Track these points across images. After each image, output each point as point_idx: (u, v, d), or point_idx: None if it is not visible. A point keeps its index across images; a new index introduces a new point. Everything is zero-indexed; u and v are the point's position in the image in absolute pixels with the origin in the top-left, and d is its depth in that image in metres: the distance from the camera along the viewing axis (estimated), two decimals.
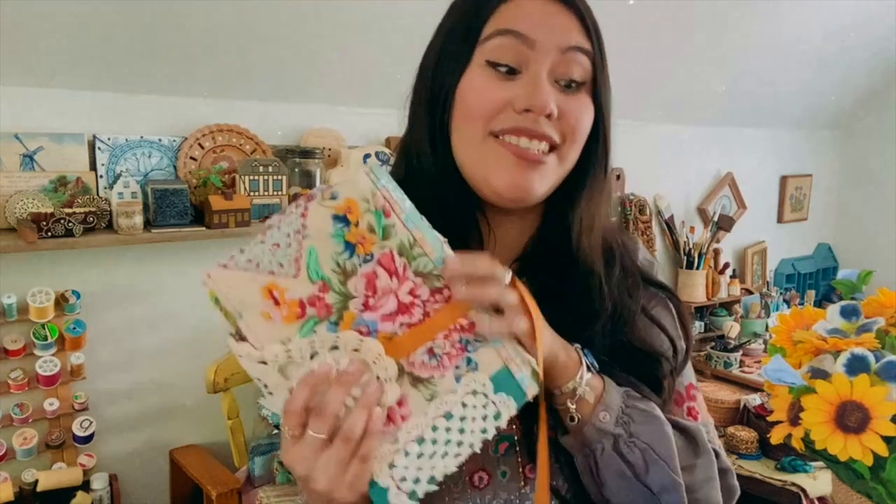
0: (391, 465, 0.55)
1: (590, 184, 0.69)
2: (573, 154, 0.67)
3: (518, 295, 0.57)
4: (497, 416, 0.56)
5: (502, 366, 0.57)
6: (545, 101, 0.62)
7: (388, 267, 0.55)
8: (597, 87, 0.67)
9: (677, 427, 0.66)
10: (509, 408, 0.56)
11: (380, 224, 0.54)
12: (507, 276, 0.57)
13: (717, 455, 0.70)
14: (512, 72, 0.64)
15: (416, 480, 0.55)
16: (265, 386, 0.54)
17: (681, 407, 0.72)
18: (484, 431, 0.56)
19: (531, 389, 0.57)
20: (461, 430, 0.56)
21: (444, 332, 0.56)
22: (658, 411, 0.64)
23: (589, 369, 0.62)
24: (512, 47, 0.63)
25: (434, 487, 0.55)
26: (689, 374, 0.74)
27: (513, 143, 0.63)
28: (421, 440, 0.56)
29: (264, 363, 0.54)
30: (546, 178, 0.65)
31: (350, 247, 0.54)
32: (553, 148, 0.65)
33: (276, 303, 0.53)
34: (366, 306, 0.55)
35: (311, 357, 0.53)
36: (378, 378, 0.54)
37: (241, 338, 0.55)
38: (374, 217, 0.54)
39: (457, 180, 0.68)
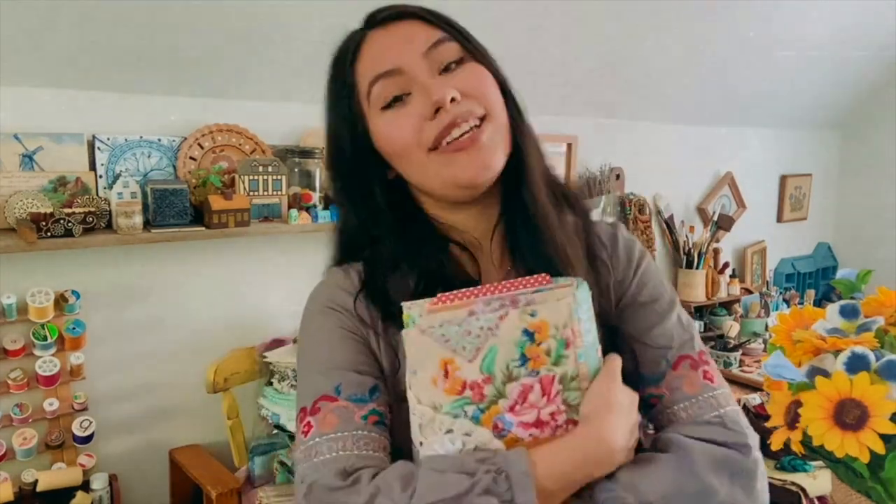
0: None
1: (521, 135, 0.73)
2: (498, 113, 0.70)
3: None
4: None
5: None
6: (442, 92, 0.66)
7: (546, 388, 0.61)
8: (476, 57, 0.71)
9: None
10: None
11: (558, 352, 0.61)
12: None
13: (738, 434, 0.67)
14: (401, 99, 0.69)
15: None
16: (420, 426, 0.63)
17: (696, 371, 0.70)
18: None
19: None
20: None
21: None
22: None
23: None
24: (388, 85, 0.69)
25: None
26: (698, 342, 0.74)
27: (451, 144, 0.67)
28: None
29: (412, 409, 0.63)
30: (495, 148, 0.69)
31: (525, 359, 0.61)
32: (482, 118, 0.68)
33: (446, 375, 0.61)
34: (511, 409, 0.61)
35: (446, 431, 0.61)
36: None
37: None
38: (556, 344, 0.61)
39: (422, 219, 0.75)
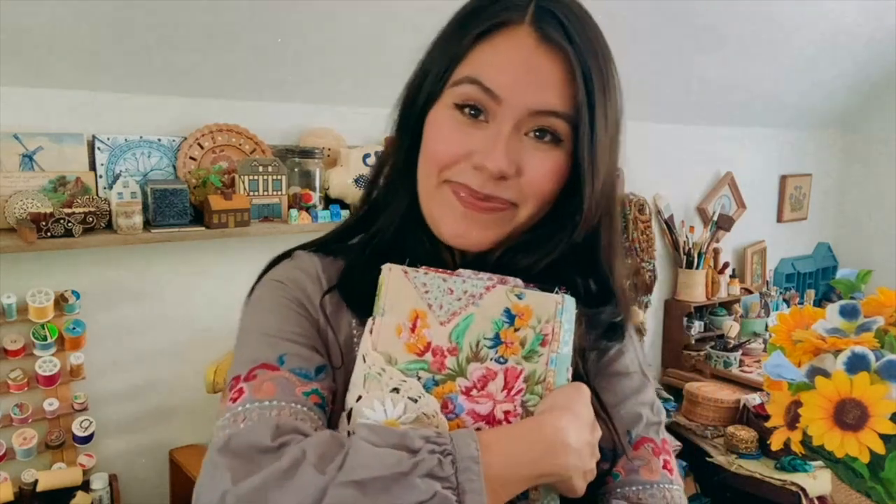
0: None
1: (554, 239, 0.64)
2: (531, 212, 0.63)
3: None
4: None
5: None
6: (499, 163, 0.59)
7: (509, 380, 0.57)
8: (577, 144, 0.61)
9: None
10: None
11: (532, 346, 0.57)
12: None
13: None
14: (478, 114, 0.61)
15: None
16: (355, 365, 0.59)
17: (658, 458, 0.67)
18: None
19: None
20: None
21: None
22: None
23: None
24: (478, 97, 0.61)
25: None
26: (664, 431, 0.71)
27: (461, 194, 0.62)
28: None
29: (363, 357, 0.59)
30: (494, 229, 0.63)
31: (497, 341, 0.57)
32: (512, 203, 0.63)
33: (413, 328, 0.57)
34: (467, 392, 0.57)
35: (392, 390, 0.56)
36: None
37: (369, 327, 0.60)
38: (533, 337, 0.57)
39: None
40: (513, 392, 0.57)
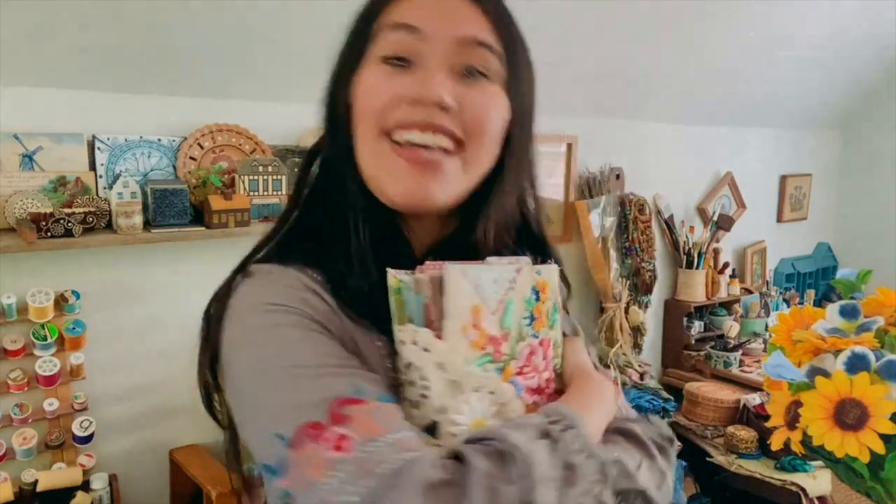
0: None
1: (497, 192, 0.64)
2: (481, 155, 0.61)
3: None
4: None
5: None
6: (437, 90, 0.57)
7: (546, 352, 0.61)
8: (509, 85, 0.61)
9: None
10: None
11: (552, 316, 0.62)
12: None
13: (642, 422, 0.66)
14: (405, 64, 0.59)
15: None
16: (422, 377, 0.56)
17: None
18: None
19: None
20: None
21: None
22: None
23: None
24: (403, 41, 0.59)
25: None
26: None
27: (406, 147, 0.58)
28: None
29: (440, 365, 0.55)
30: (447, 185, 0.60)
31: (532, 318, 0.60)
32: (458, 145, 0.59)
33: (475, 325, 0.57)
34: (520, 371, 0.59)
35: (475, 389, 0.56)
36: None
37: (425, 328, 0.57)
38: (551, 307, 0.62)
39: (386, 215, 0.63)
40: (548, 361, 0.62)
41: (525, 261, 0.62)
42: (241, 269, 0.63)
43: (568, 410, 0.55)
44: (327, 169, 0.66)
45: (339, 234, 0.62)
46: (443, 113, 0.58)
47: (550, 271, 0.62)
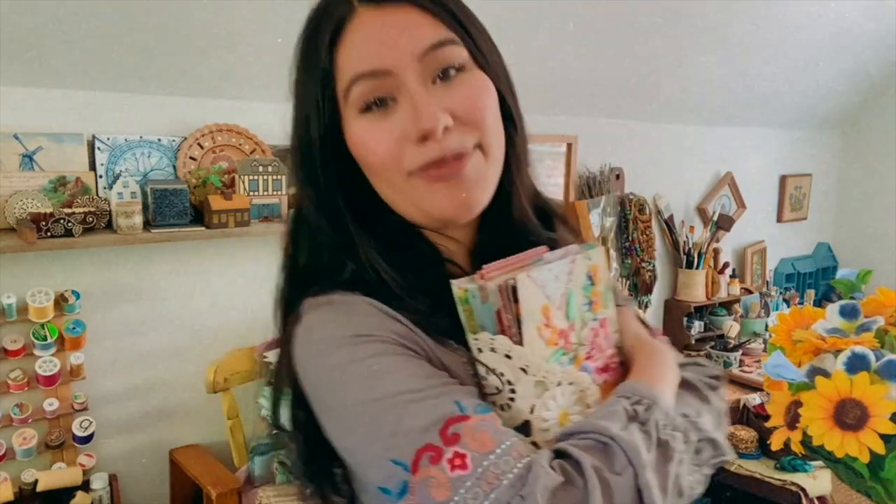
0: None
1: (515, 165, 0.66)
2: (493, 138, 0.62)
3: None
4: None
5: None
6: (431, 121, 0.57)
7: (607, 332, 0.64)
8: (481, 62, 0.62)
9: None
10: None
11: (607, 295, 0.64)
12: None
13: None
14: (385, 104, 0.59)
15: None
16: (508, 382, 0.58)
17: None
18: None
19: None
20: None
21: None
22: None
23: None
24: (374, 87, 0.58)
25: None
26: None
27: (437, 168, 0.59)
28: None
29: (524, 369, 0.57)
30: (482, 181, 0.61)
31: (590, 303, 0.62)
32: (474, 147, 0.61)
33: (547, 324, 0.59)
34: (589, 356, 0.62)
35: (558, 384, 0.59)
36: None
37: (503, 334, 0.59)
38: (605, 288, 0.64)
39: (412, 235, 0.65)
40: (609, 338, 0.64)
41: (574, 249, 0.63)
42: (289, 307, 0.64)
43: (644, 387, 0.58)
44: (322, 217, 0.65)
45: (370, 269, 0.62)
46: (448, 134, 0.58)
47: (598, 253, 0.64)
